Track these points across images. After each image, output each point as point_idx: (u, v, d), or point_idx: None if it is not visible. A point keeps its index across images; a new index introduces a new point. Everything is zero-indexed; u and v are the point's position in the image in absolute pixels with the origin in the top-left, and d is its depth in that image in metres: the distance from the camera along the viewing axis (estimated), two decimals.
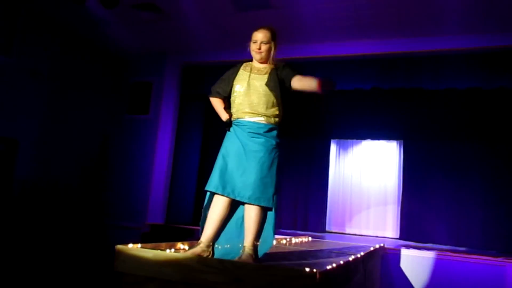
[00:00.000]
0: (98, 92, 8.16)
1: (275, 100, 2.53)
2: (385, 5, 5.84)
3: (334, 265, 2.16)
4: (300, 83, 2.62)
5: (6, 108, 6.61)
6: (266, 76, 2.63)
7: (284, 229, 9.88)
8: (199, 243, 2.46)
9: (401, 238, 9.08)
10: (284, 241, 5.02)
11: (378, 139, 10.16)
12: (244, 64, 2.77)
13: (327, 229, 10.29)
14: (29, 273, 5.82)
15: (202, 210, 2.56)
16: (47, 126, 7.21)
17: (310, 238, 6.35)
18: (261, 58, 2.69)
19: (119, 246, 2.37)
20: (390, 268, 6.19)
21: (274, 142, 2.52)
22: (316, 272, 1.92)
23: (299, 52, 7.16)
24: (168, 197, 8.07)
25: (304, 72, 7.16)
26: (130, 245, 2.43)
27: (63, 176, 7.38)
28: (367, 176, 10.35)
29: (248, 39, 2.80)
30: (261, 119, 2.52)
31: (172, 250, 2.50)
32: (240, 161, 2.47)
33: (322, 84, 2.43)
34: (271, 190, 2.47)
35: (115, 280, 2.38)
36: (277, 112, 2.55)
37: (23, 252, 6.28)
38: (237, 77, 2.66)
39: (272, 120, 2.52)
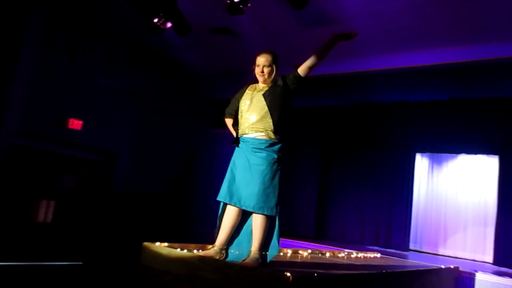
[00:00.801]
0: (184, 109, 9.02)
1: (275, 115, 2.75)
2: (453, 12, 5.60)
3: (315, 274, 2.31)
4: (307, 61, 2.86)
5: (108, 125, 7.72)
6: (265, 89, 2.88)
7: (368, 244, 9.69)
8: (213, 246, 2.78)
9: (495, 263, 8.29)
10: (342, 254, 5.08)
11: (473, 153, 9.47)
12: (250, 85, 3.05)
13: (414, 247, 9.83)
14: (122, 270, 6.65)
15: (217, 218, 2.88)
16: (141, 141, 8.22)
17: (378, 255, 6.22)
18: (264, 80, 2.94)
19: (145, 243, 2.81)
20: None
21: (275, 156, 2.74)
22: (289, 276, 2.11)
23: (367, 65, 7.15)
24: None
25: (375, 85, 7.08)
26: (157, 243, 2.86)
27: (154, 185, 8.31)
28: (464, 193, 9.67)
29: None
30: (262, 135, 2.76)
31: (195, 251, 2.85)
32: (246, 174, 2.74)
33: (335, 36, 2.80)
34: (273, 200, 2.70)
35: (141, 273, 2.81)
36: (279, 124, 2.76)
37: (117, 249, 7.21)
38: (242, 97, 2.95)
39: (273, 135, 2.75)
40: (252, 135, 2.79)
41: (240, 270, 2.30)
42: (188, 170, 9.01)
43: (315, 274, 2.32)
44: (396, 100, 7.09)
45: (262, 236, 2.69)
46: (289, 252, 4.21)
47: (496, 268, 8.00)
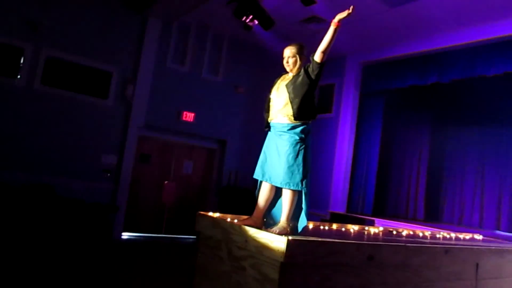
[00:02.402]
0: None
1: (295, 103, 3.03)
2: None
3: (320, 239, 2.62)
4: (319, 47, 3.07)
5: (218, 117, 8.71)
6: (289, 79, 3.20)
7: (488, 228, 9.01)
8: (251, 217, 3.25)
9: None
10: (427, 233, 5.04)
11: None
12: (282, 76, 3.37)
13: None
14: None
15: (255, 192, 3.33)
16: (247, 129, 9.03)
17: (480, 236, 5.89)
18: (290, 70, 3.24)
19: (200, 212, 3.44)
20: None
21: (297, 137, 3.02)
22: (286, 238, 2.51)
23: (465, 36, 6.67)
24: (348, 189, 8.71)
25: (477, 55, 6.65)
26: (210, 213, 3.47)
27: None
28: None
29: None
30: (285, 120, 3.07)
31: (235, 220, 3.37)
32: (274, 154, 3.11)
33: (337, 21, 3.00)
34: (298, 177, 3.02)
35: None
36: (300, 111, 3.03)
37: None
38: (274, 87, 3.31)
39: (293, 119, 3.05)
40: (277, 120, 3.17)
41: (254, 233, 2.77)
42: None
43: (319, 239, 2.65)
44: (503, 71, 6.47)
45: (289, 208, 3.07)
46: (354, 228, 4.43)
47: None
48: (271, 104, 3.29)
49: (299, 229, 3.13)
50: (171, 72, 8.19)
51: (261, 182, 3.31)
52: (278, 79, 3.38)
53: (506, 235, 7.98)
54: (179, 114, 8.25)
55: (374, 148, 8.76)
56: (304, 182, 3.07)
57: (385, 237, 3.97)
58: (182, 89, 8.29)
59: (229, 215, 3.58)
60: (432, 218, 9.54)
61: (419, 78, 7.60)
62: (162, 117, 8.07)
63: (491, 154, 9.09)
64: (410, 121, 9.50)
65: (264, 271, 2.63)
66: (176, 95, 8.21)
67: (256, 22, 6.80)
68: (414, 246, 3.28)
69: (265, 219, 3.32)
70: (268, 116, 3.29)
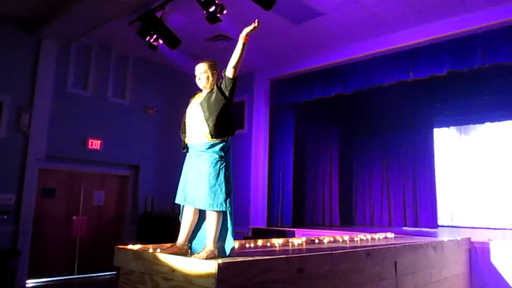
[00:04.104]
0: None
1: (211, 121, 2.98)
2: None
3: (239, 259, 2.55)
4: (229, 62, 3.04)
5: (129, 141, 8.28)
6: (203, 97, 3.13)
7: (397, 226, 9.68)
8: (174, 244, 3.08)
9: None
10: (344, 238, 5.21)
11: (497, 120, 9.21)
12: (196, 94, 3.30)
13: (447, 223, 9.67)
14: None
15: (179, 218, 3.18)
16: (162, 152, 8.72)
17: (392, 235, 6.26)
18: (203, 87, 3.19)
19: (117, 246, 3.17)
20: (480, 263, 5.71)
21: (217, 156, 2.97)
22: (216, 262, 2.39)
23: (363, 49, 7.20)
24: (267, 203, 8.79)
25: (375, 66, 7.14)
26: (130, 246, 3.21)
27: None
28: (489, 162, 9.37)
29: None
30: (203, 139, 3.00)
31: (158, 250, 3.16)
32: (194, 176, 3.01)
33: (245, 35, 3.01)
34: (221, 196, 2.94)
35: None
36: (217, 128, 2.99)
37: None
38: (188, 106, 3.22)
39: (211, 137, 2.98)
40: (194, 140, 3.07)
41: (181, 261, 2.60)
42: None
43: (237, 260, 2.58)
44: (396, 80, 7.06)
45: (215, 230, 2.95)
46: (279, 242, 4.43)
47: None
48: (186, 124, 3.17)
49: (227, 251, 3.02)
50: (72, 97, 7.62)
51: (183, 206, 3.15)
52: (192, 98, 3.29)
53: (412, 231, 8.65)
54: (85, 142, 7.69)
55: (288, 160, 8.98)
56: (227, 202, 2.98)
57: (310, 247, 4.01)
58: (86, 114, 7.75)
59: (150, 245, 3.35)
60: (347, 222, 10.02)
61: (324, 90, 8.00)
62: (65, 146, 7.45)
63: (393, 157, 9.87)
64: (319, 132, 9.95)
65: None
66: (80, 121, 7.65)
67: (161, 41, 6.64)
68: (339, 253, 3.35)
69: (190, 245, 3.16)
70: (185, 137, 3.17)
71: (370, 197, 10.07)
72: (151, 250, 3.03)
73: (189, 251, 3.11)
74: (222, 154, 3.02)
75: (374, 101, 8.57)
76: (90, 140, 7.74)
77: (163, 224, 7.83)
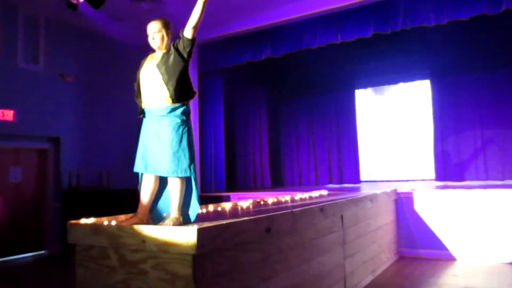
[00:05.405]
0: (126, 82, 8.82)
1: (171, 84, 2.82)
2: None
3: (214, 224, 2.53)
4: (188, 22, 2.86)
5: (46, 112, 7.54)
6: (159, 59, 2.94)
7: (323, 184, 10.17)
8: (135, 215, 2.93)
9: (437, 179, 8.97)
10: (286, 198, 5.35)
11: (409, 81, 9.92)
12: (149, 55, 3.08)
13: (367, 178, 10.36)
14: None
15: (138, 187, 3.01)
16: (84, 122, 8.10)
17: (325, 192, 6.59)
18: (158, 48, 2.99)
19: (70, 222, 2.93)
20: (404, 211, 6.28)
21: (179, 120, 2.83)
22: (196, 228, 2.32)
23: (293, 11, 7.24)
24: (200, 169, 8.70)
25: (304, 29, 7.20)
26: (83, 220, 2.98)
27: (104, 164, 8.28)
28: (404, 120, 10.14)
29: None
30: (163, 103, 2.84)
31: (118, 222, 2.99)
32: (155, 142, 2.85)
33: None
34: (185, 162, 2.83)
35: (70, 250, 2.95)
36: (177, 91, 2.84)
37: None
38: (142, 69, 2.99)
39: (172, 100, 2.83)
40: (153, 104, 2.88)
41: (153, 230, 2.48)
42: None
43: (223, 223, 2.54)
44: (325, 43, 7.23)
45: (179, 197, 2.84)
46: (228, 206, 4.43)
47: (438, 183, 8.68)
48: (141, 87, 2.95)
49: (193, 217, 2.94)
50: None
51: (142, 175, 2.98)
52: (144, 60, 3.05)
53: (337, 187, 9.21)
54: None
55: (219, 125, 8.92)
56: (191, 167, 2.88)
57: (264, 208, 4.07)
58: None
59: (104, 218, 3.16)
60: (277, 183, 10.35)
61: (254, 53, 7.95)
62: None
63: (319, 118, 10.27)
64: (249, 95, 9.97)
65: (173, 269, 2.39)
66: None
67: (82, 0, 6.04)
68: (298, 210, 3.44)
69: (152, 215, 3.02)
70: (141, 102, 2.95)
71: (298, 158, 10.45)
72: (106, 223, 2.84)
73: (151, 221, 2.98)
74: (184, 118, 2.88)
75: (302, 63, 8.74)
76: (0, 111, 6.93)
77: (91, 199, 7.40)
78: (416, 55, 8.97)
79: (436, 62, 8.81)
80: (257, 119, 10.12)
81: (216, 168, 8.83)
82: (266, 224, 2.96)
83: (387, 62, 9.35)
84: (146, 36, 2.99)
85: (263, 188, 9.73)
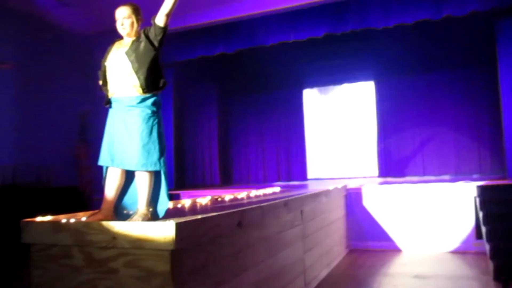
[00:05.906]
0: (70, 73, 8.33)
1: (142, 73, 2.70)
2: None
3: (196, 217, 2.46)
4: (161, 9, 2.74)
5: None
6: (128, 46, 2.80)
7: (271, 181, 10.27)
8: (100, 211, 2.77)
9: (380, 175, 9.40)
10: (243, 195, 5.34)
11: (353, 81, 10.26)
12: (116, 42, 2.93)
13: (313, 176, 10.60)
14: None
15: (102, 182, 2.84)
16: (22, 113, 7.52)
17: (278, 189, 6.65)
18: (127, 34, 2.85)
19: (25, 220, 2.70)
20: (354, 206, 6.52)
21: (149, 111, 2.71)
22: (174, 223, 2.23)
23: (247, 8, 7.24)
24: None
25: (258, 26, 7.21)
26: (38, 218, 2.76)
27: (45, 157, 7.75)
28: (349, 119, 10.50)
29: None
30: (133, 92, 2.71)
31: (82, 219, 2.80)
32: (123, 134, 2.69)
33: None
34: (155, 155, 2.72)
35: (24, 251, 2.73)
36: (148, 81, 2.71)
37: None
38: (108, 56, 2.83)
39: (142, 90, 2.71)
40: (122, 94, 2.72)
41: (125, 226, 2.36)
42: (82, 136, 8.52)
43: (199, 217, 2.47)
44: (278, 41, 7.31)
45: (148, 192, 2.71)
46: (188, 202, 4.33)
47: (381, 179, 9.10)
48: (108, 76, 2.78)
49: (161, 213, 2.82)
50: None
51: (107, 168, 2.81)
52: (111, 46, 2.88)
53: (285, 185, 9.35)
54: None
55: (168, 121, 8.69)
56: (161, 161, 2.77)
57: (228, 204, 4.03)
58: None
59: (62, 216, 2.95)
60: (226, 181, 10.29)
61: (207, 49, 7.85)
62: None
63: (267, 116, 10.34)
64: (200, 92, 9.83)
65: (148, 266, 2.28)
66: None
67: None
68: (266, 205, 3.44)
69: (116, 211, 2.86)
70: (107, 91, 2.78)
71: (247, 156, 10.46)
72: (64, 221, 2.66)
73: (115, 217, 2.82)
74: (155, 109, 2.76)
75: (253, 61, 8.77)
76: None
77: (31, 197, 6.90)
78: (362, 57, 9.33)
79: (380, 64, 9.22)
80: (207, 116, 10.00)
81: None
82: (238, 218, 2.92)
83: (334, 63, 9.64)
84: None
85: (212, 185, 9.64)
